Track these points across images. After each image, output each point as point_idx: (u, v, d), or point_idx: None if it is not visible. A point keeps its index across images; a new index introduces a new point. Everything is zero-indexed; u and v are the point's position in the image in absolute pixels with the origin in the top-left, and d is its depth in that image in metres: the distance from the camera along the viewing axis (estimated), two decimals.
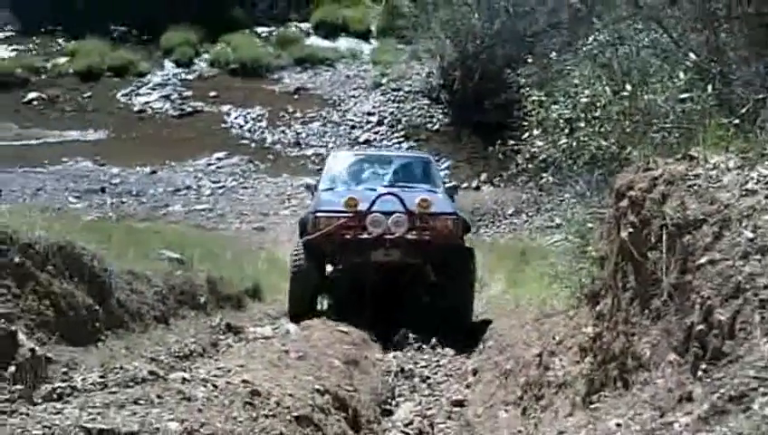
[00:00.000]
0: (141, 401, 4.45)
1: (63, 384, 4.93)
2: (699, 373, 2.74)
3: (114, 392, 4.63)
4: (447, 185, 12.96)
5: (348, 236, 10.41)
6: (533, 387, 6.20)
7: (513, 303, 10.38)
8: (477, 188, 22.29)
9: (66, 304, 6.99)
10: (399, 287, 11.11)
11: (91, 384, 5.04)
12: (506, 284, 12.73)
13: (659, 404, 2.84)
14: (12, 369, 5.30)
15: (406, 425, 7.42)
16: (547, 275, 8.90)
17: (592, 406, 3.96)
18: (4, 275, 6.32)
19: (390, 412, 7.71)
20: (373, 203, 10.47)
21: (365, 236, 10.32)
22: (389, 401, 7.98)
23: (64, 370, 5.78)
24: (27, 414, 3.67)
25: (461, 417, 7.32)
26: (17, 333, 5.61)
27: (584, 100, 5.99)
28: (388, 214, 10.36)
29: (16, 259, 6.52)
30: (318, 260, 10.77)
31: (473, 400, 7.69)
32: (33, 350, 5.61)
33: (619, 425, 2.94)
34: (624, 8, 7.46)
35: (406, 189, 11.32)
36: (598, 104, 5.81)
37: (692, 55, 5.56)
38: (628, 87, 5.52)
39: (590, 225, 7.22)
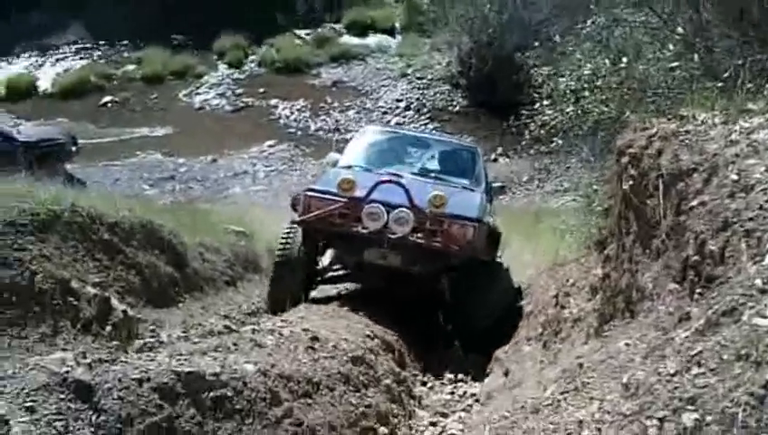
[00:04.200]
0: (220, 349, 4.56)
1: (152, 339, 5.07)
2: (695, 296, 2.79)
3: (197, 343, 4.74)
4: (495, 184, 9.85)
5: (339, 227, 7.64)
6: (552, 323, 6.25)
7: (531, 255, 10.35)
8: (495, 160, 22.21)
9: (150, 272, 7.16)
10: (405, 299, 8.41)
11: (175, 338, 5.19)
12: (523, 240, 11.82)
13: (662, 325, 2.88)
14: (108, 328, 5.47)
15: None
16: (559, 230, 8.93)
17: (604, 334, 4.00)
18: (96, 251, 6.48)
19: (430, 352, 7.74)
20: (371, 190, 7.56)
21: (359, 229, 7.49)
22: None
23: (152, 328, 5.93)
24: (126, 362, 3.78)
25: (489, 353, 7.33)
26: (110, 299, 5.78)
27: (587, 72, 6.01)
28: (390, 207, 7.46)
29: (106, 236, 6.68)
30: (309, 245, 8.05)
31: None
32: (124, 312, 5.78)
33: (627, 344, 2.99)
34: None
35: (430, 181, 8.49)
36: (599, 75, 5.83)
37: (679, 30, 5.54)
38: (625, 60, 5.54)
39: (595, 187, 7.25)
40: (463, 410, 6.09)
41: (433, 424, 5.72)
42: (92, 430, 3.20)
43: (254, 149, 24.13)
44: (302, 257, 7.95)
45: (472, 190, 8.61)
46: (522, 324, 7.59)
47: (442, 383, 6.94)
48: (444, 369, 7.20)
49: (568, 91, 6.37)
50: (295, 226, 7.98)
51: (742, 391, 1.93)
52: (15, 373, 3.32)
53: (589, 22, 7.25)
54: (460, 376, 7.02)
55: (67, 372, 3.36)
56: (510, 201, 19.40)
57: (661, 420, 2.02)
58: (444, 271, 7.92)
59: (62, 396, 3.22)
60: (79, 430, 3.14)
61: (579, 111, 6.17)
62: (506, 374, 6.25)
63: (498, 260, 8.75)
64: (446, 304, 8.16)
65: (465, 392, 6.62)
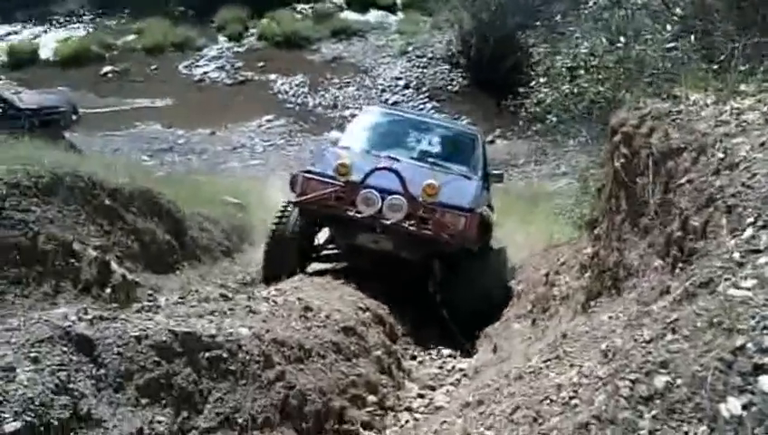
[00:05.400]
0: (216, 313, 4.68)
1: (150, 303, 5.16)
2: (677, 271, 2.89)
3: (194, 306, 4.85)
4: (494, 172, 9.63)
5: (334, 210, 7.72)
6: (541, 301, 6.34)
7: (525, 237, 10.41)
8: (492, 141, 22.19)
9: (148, 239, 7.27)
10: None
11: (172, 303, 5.28)
12: (518, 222, 11.79)
13: (644, 299, 2.98)
14: (108, 290, 5.58)
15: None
16: (553, 213, 9.01)
17: (589, 310, 4.10)
18: (97, 215, 6.57)
19: (420, 331, 7.82)
20: (367, 176, 7.71)
21: (353, 213, 7.58)
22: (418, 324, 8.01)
23: (150, 292, 6.05)
24: (126, 320, 3.89)
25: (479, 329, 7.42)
26: (110, 262, 5.89)
27: (583, 51, 6.06)
28: (384, 193, 7.60)
29: (106, 202, 6.77)
30: (305, 225, 8.20)
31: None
32: (123, 275, 5.90)
33: (610, 317, 3.09)
34: None
35: (426, 167, 8.51)
36: (595, 55, 5.87)
37: (678, 10, 5.59)
38: (622, 39, 5.58)
39: (591, 171, 7.32)
40: (451, 383, 6.20)
41: (421, 396, 5.83)
42: (93, 382, 3.32)
43: (253, 123, 24.13)
44: (297, 235, 8.09)
45: (468, 178, 8.62)
46: (511, 303, 7.69)
47: (432, 358, 7.05)
48: (434, 343, 7.32)
49: (564, 70, 6.42)
50: (290, 205, 8.12)
51: (712, 356, 2.03)
52: (21, 326, 3.43)
53: (591, 2, 7.29)
54: (449, 351, 7.14)
55: (69, 326, 3.47)
56: (507, 184, 19.45)
57: (633, 381, 2.13)
58: (434, 257, 8.04)
59: (65, 349, 3.33)
60: (80, 381, 3.25)
61: (574, 90, 6.23)
62: (495, 350, 6.34)
63: (491, 246, 8.73)
64: (436, 285, 8.22)
65: (453, 367, 6.72)
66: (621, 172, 4.10)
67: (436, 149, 9.26)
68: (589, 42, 6.13)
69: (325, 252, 8.75)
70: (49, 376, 3.13)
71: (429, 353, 7.13)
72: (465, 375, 6.34)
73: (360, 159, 8.20)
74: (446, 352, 7.18)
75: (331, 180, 7.74)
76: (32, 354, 3.22)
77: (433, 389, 6.05)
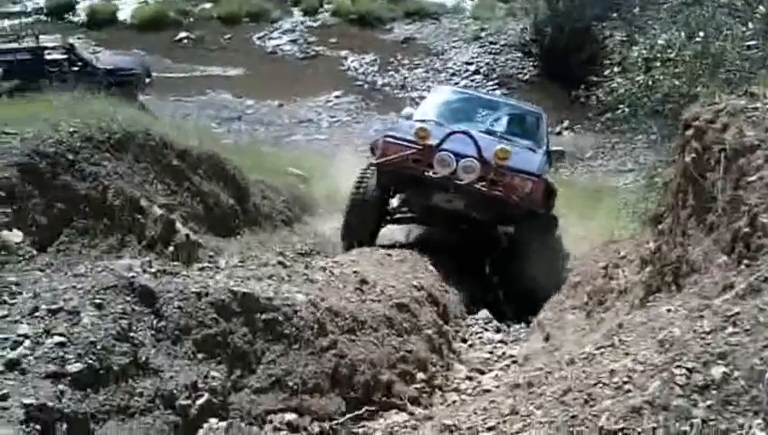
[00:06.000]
0: (274, 278, 4.76)
1: (210, 264, 5.27)
2: (741, 267, 2.84)
3: (253, 270, 4.94)
4: (554, 148, 10.02)
5: (412, 171, 8.16)
6: (598, 294, 6.25)
7: (585, 231, 10.31)
8: (559, 133, 21.97)
9: (213, 202, 7.39)
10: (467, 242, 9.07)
11: (232, 266, 5.38)
12: (579, 217, 11.65)
13: (705, 294, 2.93)
14: (171, 248, 5.71)
15: (486, 323, 7.61)
16: (617, 209, 8.89)
17: (648, 305, 4.04)
18: (165, 175, 6.71)
19: (474, 312, 7.85)
20: (444, 140, 8.14)
21: (430, 174, 8.03)
22: (473, 303, 8.07)
23: (211, 254, 6.16)
24: (188, 276, 3.98)
25: (534, 319, 7.41)
26: (175, 221, 6.01)
27: (661, 42, 5.94)
28: (459, 156, 8.02)
29: (175, 162, 6.90)
30: (382, 187, 8.67)
31: (544, 307, 7.71)
32: (187, 235, 6.02)
33: (669, 310, 3.04)
34: None
35: (495, 139, 8.83)
36: (672, 48, 5.77)
37: (761, 8, 5.45)
38: (701, 33, 5.47)
39: (659, 168, 7.19)
40: (500, 368, 6.16)
41: (469, 378, 5.82)
42: (153, 332, 3.41)
43: (321, 98, 24.28)
44: (376, 195, 8.64)
45: (533, 151, 9.03)
46: (566, 293, 7.62)
47: (482, 342, 7.03)
48: (485, 327, 7.34)
49: (640, 60, 6.32)
50: (372, 167, 8.67)
51: None
52: (87, 273, 3.54)
53: None
54: (500, 337, 7.14)
55: (133, 277, 3.58)
56: (571, 176, 19.26)
57: (690, 370, 2.11)
58: (501, 221, 8.57)
59: (128, 298, 3.43)
60: (140, 331, 3.35)
61: (648, 82, 6.13)
62: (546, 339, 6.29)
63: (554, 234, 8.98)
64: (499, 253, 8.74)
65: (503, 353, 6.69)
66: (691, 167, 4.02)
67: (504, 124, 9.71)
68: (667, 34, 6.01)
69: (399, 215, 9.30)
70: (111, 323, 3.24)
71: (480, 337, 7.11)
72: (514, 361, 6.31)
73: (435, 129, 8.60)
74: (496, 337, 7.16)
75: (409, 144, 8.19)
76: (96, 301, 3.32)
77: (482, 372, 6.04)
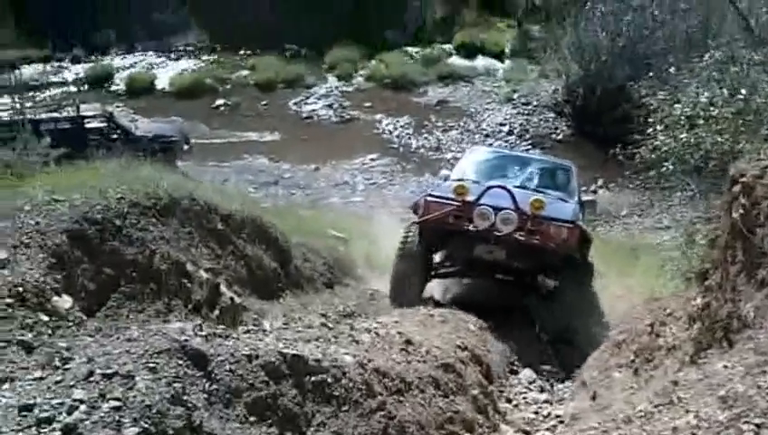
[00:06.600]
0: (321, 340, 4.75)
1: (255, 327, 5.30)
2: None
3: (299, 332, 4.94)
4: (585, 198, 10.77)
5: (453, 226, 8.66)
6: (645, 351, 6.16)
7: (624, 289, 10.21)
8: (594, 192, 21.85)
9: (256, 265, 7.44)
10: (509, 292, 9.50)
11: (276, 329, 5.40)
12: (618, 274, 11.66)
13: (762, 349, 2.89)
14: (216, 311, 5.75)
15: (530, 383, 7.53)
16: (657, 266, 8.82)
17: (699, 361, 3.99)
18: (209, 239, 6.79)
19: (516, 372, 7.79)
20: (482, 195, 8.63)
21: (470, 228, 8.52)
22: (515, 363, 8.02)
23: (255, 316, 6.18)
24: (237, 339, 4.00)
25: (578, 378, 7.32)
26: (220, 285, 6.06)
27: (703, 100, 5.98)
28: (497, 209, 8.49)
29: (219, 226, 6.99)
30: (425, 244, 9.13)
31: (588, 365, 7.61)
32: (231, 299, 6.06)
33: (725, 367, 3.00)
34: (737, 31, 7.34)
35: (529, 190, 9.33)
36: (715, 105, 5.79)
37: None
38: (743, 91, 5.50)
39: (697, 225, 7.14)
40: (546, 429, 6.09)
41: None
42: (205, 396, 3.42)
43: (356, 161, 24.48)
44: (421, 251, 9.08)
45: (566, 201, 9.47)
46: (611, 352, 7.53)
47: (527, 402, 6.95)
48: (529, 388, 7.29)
49: (683, 118, 6.36)
50: (415, 225, 9.13)
51: None
52: (140, 337, 3.57)
53: (706, 56, 7.20)
54: (545, 396, 7.07)
55: (186, 340, 3.60)
56: (607, 234, 19.12)
57: (758, 425, 2.07)
58: (541, 269, 8.97)
59: (181, 362, 3.45)
60: (193, 394, 3.36)
61: (691, 140, 6.15)
62: (593, 398, 6.19)
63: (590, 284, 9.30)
64: (541, 298, 9.09)
65: (549, 413, 6.62)
66: (740, 222, 3.99)
67: (537, 178, 10.20)
68: (709, 92, 6.05)
69: (443, 270, 9.78)
70: (165, 386, 3.25)
71: (524, 397, 7.03)
72: (561, 421, 6.22)
73: (472, 186, 9.06)
74: (541, 396, 7.09)
75: (449, 201, 8.71)
76: (150, 365, 3.34)
77: (528, 433, 5.96)
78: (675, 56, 15.17)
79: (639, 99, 8.86)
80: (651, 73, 10.81)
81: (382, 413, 4.36)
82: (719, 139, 5.68)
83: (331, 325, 6.01)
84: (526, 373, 7.78)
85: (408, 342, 5.65)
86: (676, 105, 6.61)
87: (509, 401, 6.89)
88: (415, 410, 4.74)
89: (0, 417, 2.90)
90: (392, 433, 4.34)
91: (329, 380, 4.12)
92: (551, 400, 7.02)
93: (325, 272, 9.59)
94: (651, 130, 7.16)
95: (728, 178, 4.37)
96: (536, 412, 6.66)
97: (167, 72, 31.24)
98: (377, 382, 4.53)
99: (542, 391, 7.37)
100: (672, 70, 8.94)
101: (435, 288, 10.08)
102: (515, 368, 7.89)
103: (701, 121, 5.98)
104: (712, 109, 5.87)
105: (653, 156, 7.22)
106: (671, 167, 7.02)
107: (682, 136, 6.29)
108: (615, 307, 9.11)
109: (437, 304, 9.20)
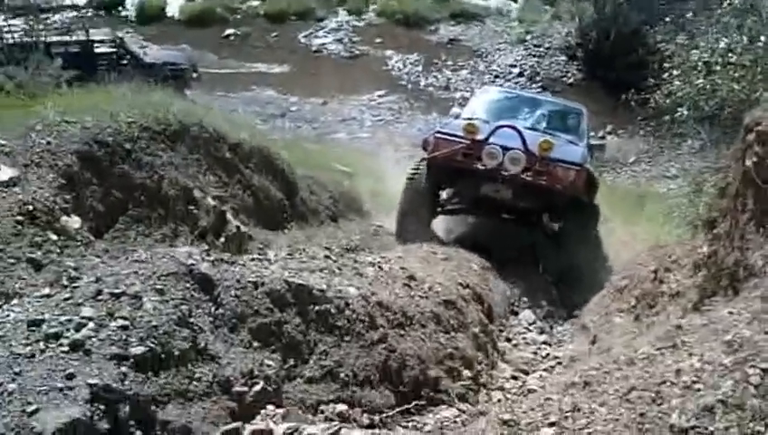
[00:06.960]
0: (326, 271, 4.76)
1: (260, 256, 5.30)
2: None
3: (304, 262, 4.95)
4: (595, 142, 10.81)
5: (462, 164, 8.64)
6: (647, 297, 6.17)
7: (629, 236, 10.22)
8: (602, 137, 21.69)
9: (263, 195, 7.44)
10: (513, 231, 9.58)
11: (281, 259, 5.40)
12: (624, 221, 11.66)
13: None
14: (222, 239, 5.76)
15: (530, 324, 7.58)
16: (663, 214, 8.80)
17: (703, 308, 3.99)
18: (217, 167, 6.77)
19: (517, 313, 7.83)
20: (491, 134, 8.58)
21: (478, 166, 8.51)
22: (516, 304, 8.06)
23: (260, 246, 6.19)
24: (243, 265, 4.01)
25: (578, 322, 7.36)
26: (226, 213, 6.06)
27: (722, 46, 5.88)
28: (506, 149, 8.45)
29: (227, 155, 6.96)
30: (433, 180, 9.14)
31: (588, 310, 7.67)
32: (237, 227, 6.07)
33: (731, 313, 3.00)
34: None
35: (539, 133, 9.21)
36: (734, 52, 5.70)
37: None
38: (763, 38, 5.40)
39: (705, 175, 7.09)
40: (544, 369, 6.13)
41: (514, 378, 5.79)
42: (211, 319, 3.45)
43: (364, 97, 24.29)
44: (428, 187, 9.12)
45: (575, 144, 9.38)
46: (612, 297, 7.55)
47: (526, 343, 7.00)
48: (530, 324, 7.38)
49: (700, 64, 6.27)
50: (423, 162, 9.12)
51: None
52: (148, 259, 3.59)
53: (725, 3, 7.08)
54: (544, 338, 7.12)
55: (193, 264, 3.61)
56: (614, 181, 19.07)
57: (765, 370, 2.08)
58: (547, 210, 9.11)
59: (188, 285, 3.47)
60: (199, 317, 3.39)
61: (708, 86, 6.07)
62: (593, 342, 6.23)
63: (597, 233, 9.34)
64: (545, 237, 9.25)
65: (548, 354, 6.67)
66: (752, 171, 3.96)
67: (547, 120, 10.09)
68: (728, 38, 5.94)
69: (449, 207, 9.79)
70: (172, 308, 3.27)
71: (524, 338, 7.08)
72: (559, 363, 6.27)
73: (482, 125, 8.95)
74: (540, 338, 7.13)
75: (459, 139, 8.63)
76: (157, 286, 3.36)
77: (526, 372, 6.01)
78: (693, 1, 14.93)
79: (654, 44, 8.71)
80: (668, 18, 10.66)
81: (384, 345, 4.40)
82: (735, 86, 5.60)
83: (334, 258, 6.03)
84: (526, 314, 7.81)
85: (411, 277, 5.67)
86: (693, 51, 6.50)
87: (508, 340, 6.93)
88: (416, 344, 4.77)
89: (10, 330, 2.92)
90: (393, 365, 4.38)
91: (332, 310, 4.15)
92: (550, 341, 7.06)
93: (330, 205, 9.59)
94: (667, 75, 7.06)
95: (743, 126, 4.32)
96: (535, 353, 6.70)
97: (177, 0, 30.80)
98: (379, 315, 4.56)
99: (541, 332, 7.41)
100: (689, 15, 8.80)
101: (439, 226, 10.05)
102: (516, 309, 7.92)
103: (718, 68, 5.90)
104: (730, 55, 5.77)
105: (667, 101, 7.14)
106: (686, 112, 6.94)
107: (698, 82, 6.21)
108: (619, 253, 9.14)
109: (441, 243, 9.11)
